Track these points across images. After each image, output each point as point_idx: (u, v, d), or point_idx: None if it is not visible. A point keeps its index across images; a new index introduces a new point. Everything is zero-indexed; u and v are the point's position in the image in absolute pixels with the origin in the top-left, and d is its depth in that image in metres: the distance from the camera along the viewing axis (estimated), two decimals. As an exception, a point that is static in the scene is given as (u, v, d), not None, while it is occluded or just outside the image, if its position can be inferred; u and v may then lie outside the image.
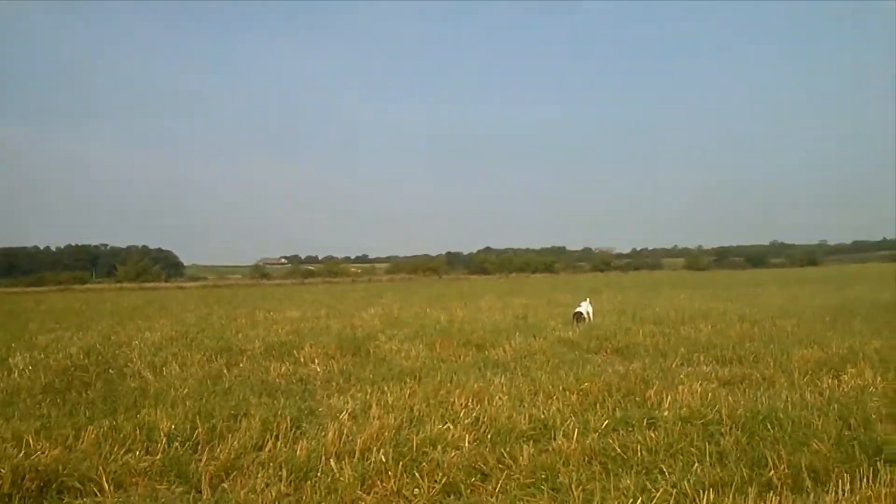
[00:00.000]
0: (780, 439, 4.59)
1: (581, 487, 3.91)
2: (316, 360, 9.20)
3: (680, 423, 5.07)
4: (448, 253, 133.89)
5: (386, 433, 5.05)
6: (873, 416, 5.05)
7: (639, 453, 4.46)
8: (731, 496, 3.69)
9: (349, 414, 5.84)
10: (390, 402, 6.23)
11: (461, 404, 6.02)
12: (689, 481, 3.93)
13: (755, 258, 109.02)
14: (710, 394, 6.01)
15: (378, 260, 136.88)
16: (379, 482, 4.16)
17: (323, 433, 5.15)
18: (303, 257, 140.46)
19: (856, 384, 6.26)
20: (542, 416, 5.40)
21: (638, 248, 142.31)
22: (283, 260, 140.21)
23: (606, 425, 5.12)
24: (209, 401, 6.47)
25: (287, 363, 9.14)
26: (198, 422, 5.51)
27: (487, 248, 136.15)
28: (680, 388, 6.24)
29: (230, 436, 5.21)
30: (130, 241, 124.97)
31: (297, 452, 4.64)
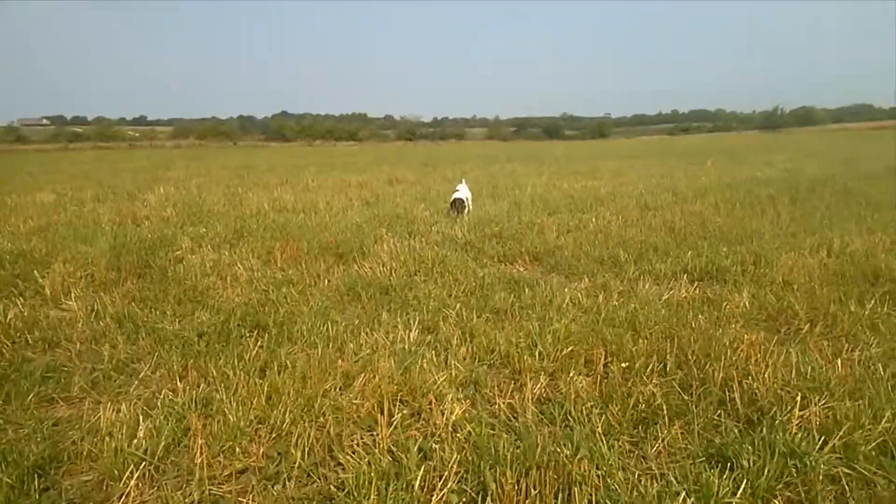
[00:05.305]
0: None
1: None
2: (73, 292, 5.42)
3: None
4: (240, 116, 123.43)
5: None
6: None
7: None
8: None
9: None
10: (238, 423, 2.98)
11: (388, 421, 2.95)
12: None
13: (551, 129, 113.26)
14: (802, 365, 3.53)
15: (159, 122, 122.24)
16: None
17: None
18: (69, 118, 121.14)
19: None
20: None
21: (439, 118, 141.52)
22: (44, 120, 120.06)
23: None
24: None
25: (21, 298, 5.29)
26: None
27: (284, 113, 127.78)
28: (737, 350, 3.71)
29: None
30: None
31: None
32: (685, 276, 5.79)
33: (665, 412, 3.04)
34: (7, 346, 4.23)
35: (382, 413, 3.02)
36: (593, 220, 8.81)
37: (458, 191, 9.66)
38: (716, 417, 3.04)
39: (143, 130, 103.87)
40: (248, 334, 4.33)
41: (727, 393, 3.23)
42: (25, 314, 4.82)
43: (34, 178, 21.04)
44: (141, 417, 3.06)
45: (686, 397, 3.22)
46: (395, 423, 2.99)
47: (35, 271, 5.94)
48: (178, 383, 3.50)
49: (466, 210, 9.25)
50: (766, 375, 3.34)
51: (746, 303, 4.81)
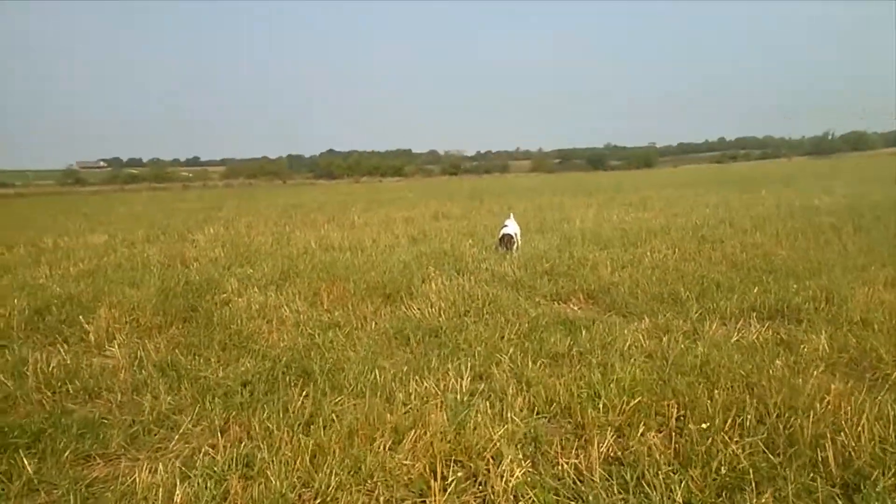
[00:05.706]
0: None
1: None
2: (117, 338, 5.34)
3: None
4: (289, 156, 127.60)
5: None
6: None
7: None
8: None
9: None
10: (280, 488, 2.75)
11: None
12: None
13: (595, 160, 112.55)
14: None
15: (211, 163, 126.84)
16: None
17: None
18: (125, 160, 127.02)
19: None
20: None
21: (482, 151, 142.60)
22: (101, 163, 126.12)
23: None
24: None
25: (65, 345, 5.24)
26: None
27: (331, 151, 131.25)
28: (823, 401, 3.33)
29: None
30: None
31: None
32: (753, 314, 5.40)
33: (752, 476, 2.70)
34: (48, 396, 4.13)
35: (435, 477, 2.76)
36: (648, 254, 8.43)
37: (506, 226, 9.39)
38: (809, 482, 2.68)
39: (197, 171, 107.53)
40: (293, 383, 4.14)
41: (818, 452, 2.86)
42: (68, 362, 4.74)
43: (89, 219, 21.70)
44: (178, 480, 2.86)
45: (773, 458, 2.86)
46: (449, 488, 2.72)
47: (81, 316, 5.89)
48: (220, 438, 3.31)
49: (515, 246, 8.98)
50: (859, 431, 2.96)
51: (826, 345, 4.40)
